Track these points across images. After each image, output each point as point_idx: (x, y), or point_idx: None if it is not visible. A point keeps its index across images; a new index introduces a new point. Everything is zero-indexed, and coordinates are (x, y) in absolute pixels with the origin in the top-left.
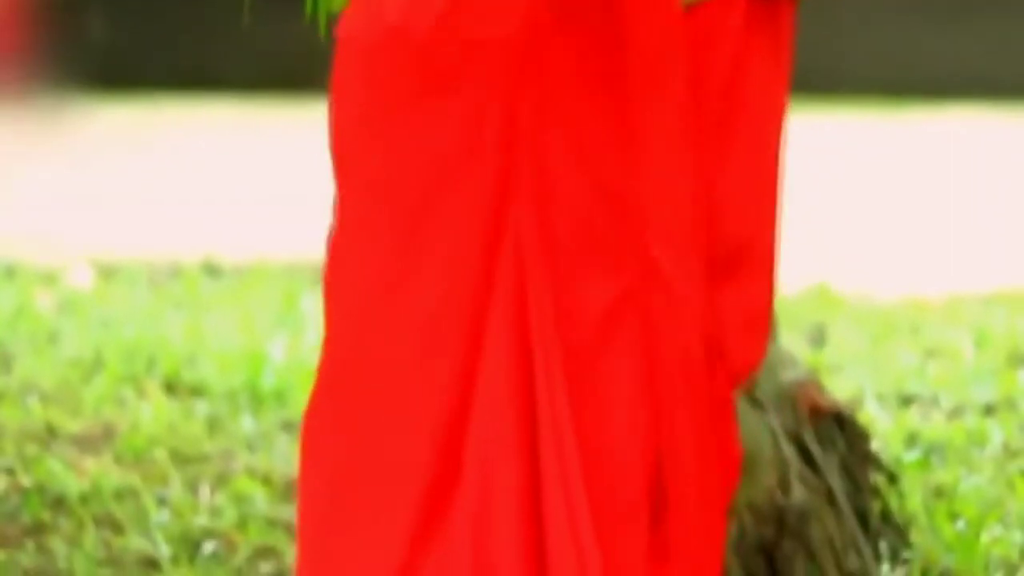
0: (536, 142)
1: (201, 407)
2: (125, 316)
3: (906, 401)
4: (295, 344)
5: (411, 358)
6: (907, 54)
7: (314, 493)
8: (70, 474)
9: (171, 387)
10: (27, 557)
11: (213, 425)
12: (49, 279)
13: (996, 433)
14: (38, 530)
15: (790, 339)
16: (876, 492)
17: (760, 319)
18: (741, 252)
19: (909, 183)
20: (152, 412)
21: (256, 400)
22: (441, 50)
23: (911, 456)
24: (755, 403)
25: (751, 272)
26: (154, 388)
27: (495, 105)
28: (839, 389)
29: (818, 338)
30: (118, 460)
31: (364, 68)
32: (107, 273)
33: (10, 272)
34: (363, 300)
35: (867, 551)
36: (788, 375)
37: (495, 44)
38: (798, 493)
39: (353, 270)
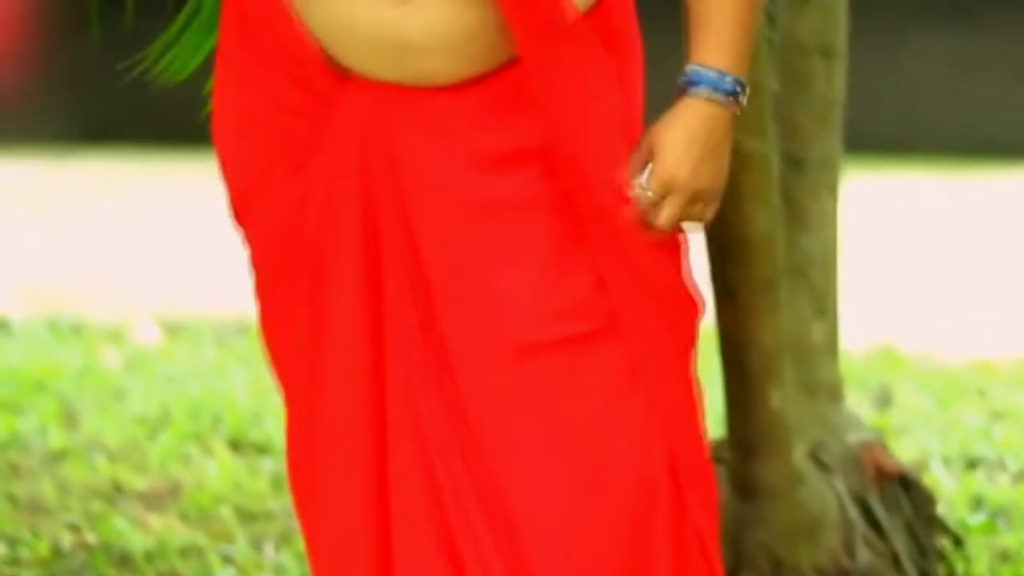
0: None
1: (266, 465)
2: (191, 373)
3: (972, 464)
4: None
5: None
6: (979, 113)
7: (310, 547)
8: (135, 531)
9: (236, 444)
10: None
11: (278, 483)
12: (115, 336)
13: None
14: None
15: (856, 401)
16: (942, 556)
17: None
18: None
19: (978, 243)
20: (217, 469)
21: None
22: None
23: (977, 519)
24: (821, 465)
25: None
26: (220, 445)
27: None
28: (905, 451)
29: (884, 400)
30: (183, 517)
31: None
32: (173, 330)
33: (77, 329)
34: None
35: None
36: (853, 437)
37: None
38: (863, 556)
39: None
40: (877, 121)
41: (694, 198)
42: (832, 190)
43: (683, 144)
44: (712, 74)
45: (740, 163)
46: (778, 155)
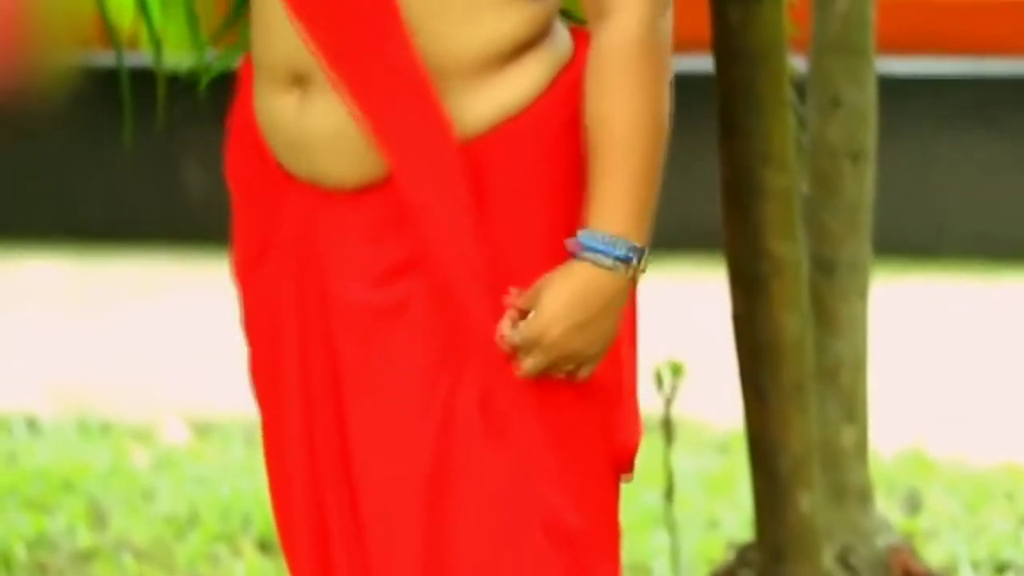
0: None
1: None
2: (220, 473)
3: (1001, 568)
4: None
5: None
6: (1008, 218)
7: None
8: None
9: (265, 546)
10: None
11: None
12: (144, 435)
13: None
14: None
15: (885, 504)
16: None
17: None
18: None
19: (1006, 348)
20: (246, 570)
21: None
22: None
23: None
24: (850, 569)
25: None
26: (248, 546)
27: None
28: (933, 556)
29: (913, 504)
30: None
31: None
32: (202, 430)
33: (105, 428)
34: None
35: None
36: (882, 541)
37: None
38: None
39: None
40: (905, 225)
41: (565, 359)
42: (861, 294)
43: (563, 305)
44: (601, 240)
45: (770, 267)
46: (808, 259)
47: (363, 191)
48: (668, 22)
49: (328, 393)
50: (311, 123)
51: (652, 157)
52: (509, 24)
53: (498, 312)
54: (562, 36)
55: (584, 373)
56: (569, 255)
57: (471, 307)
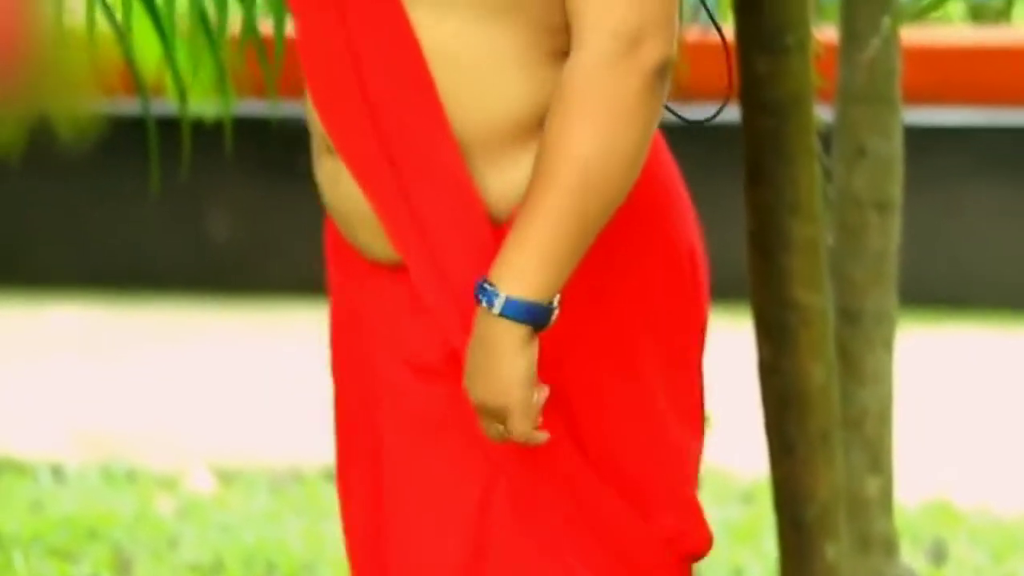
0: None
1: None
2: (245, 521)
3: None
4: None
5: None
6: None
7: None
8: None
9: None
10: None
11: None
12: (169, 483)
13: None
14: None
15: (910, 555)
16: None
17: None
18: None
19: None
20: None
21: None
22: None
23: None
24: None
25: None
26: None
27: None
28: None
29: (938, 554)
30: None
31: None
32: (227, 477)
33: (131, 476)
34: None
35: None
36: None
37: None
38: None
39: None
40: (931, 274)
41: (480, 409)
42: (887, 343)
43: (468, 351)
44: (496, 293)
45: (797, 317)
46: (833, 308)
47: (402, 267)
48: (642, 65)
49: (370, 456)
50: (343, 193)
51: (576, 203)
52: (539, 89)
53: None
54: None
55: (511, 430)
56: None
57: None
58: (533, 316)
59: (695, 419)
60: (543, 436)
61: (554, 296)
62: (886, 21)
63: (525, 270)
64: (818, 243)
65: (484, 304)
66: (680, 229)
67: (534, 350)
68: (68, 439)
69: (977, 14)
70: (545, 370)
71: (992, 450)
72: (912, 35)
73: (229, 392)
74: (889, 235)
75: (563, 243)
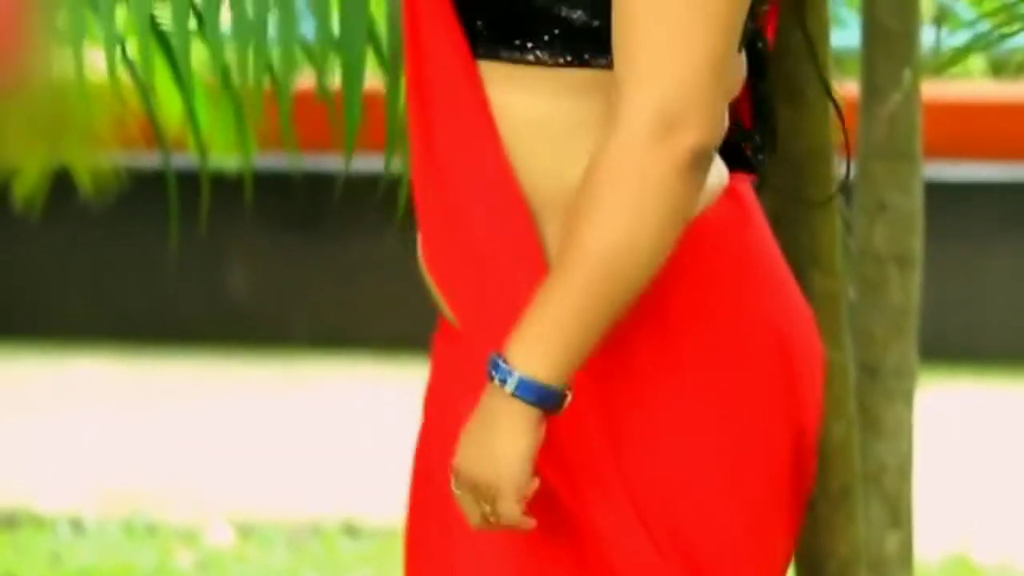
0: None
1: None
2: (264, 575)
3: None
4: None
5: None
6: None
7: None
8: None
9: None
10: None
11: None
12: (189, 537)
13: None
14: None
15: None
16: None
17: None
18: None
19: None
20: None
21: None
22: None
23: None
24: None
25: None
26: None
27: None
28: None
29: None
30: None
31: None
32: (246, 531)
33: (151, 529)
34: None
35: None
36: None
37: None
38: None
39: None
40: (952, 329)
41: (467, 485)
42: (907, 398)
43: (471, 423)
44: (511, 371)
45: None
46: (853, 363)
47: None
48: (675, 151)
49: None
50: (421, 257)
51: (596, 287)
52: None
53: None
54: (711, 176)
55: (498, 513)
56: None
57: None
58: (544, 399)
59: (778, 521)
60: (530, 522)
61: (569, 379)
62: (907, 75)
63: (541, 351)
64: (839, 297)
65: (496, 380)
66: (762, 311)
67: (539, 433)
68: (87, 492)
69: (998, 68)
70: (598, 444)
71: (1013, 506)
72: (933, 89)
73: (249, 445)
74: (910, 290)
75: (582, 327)
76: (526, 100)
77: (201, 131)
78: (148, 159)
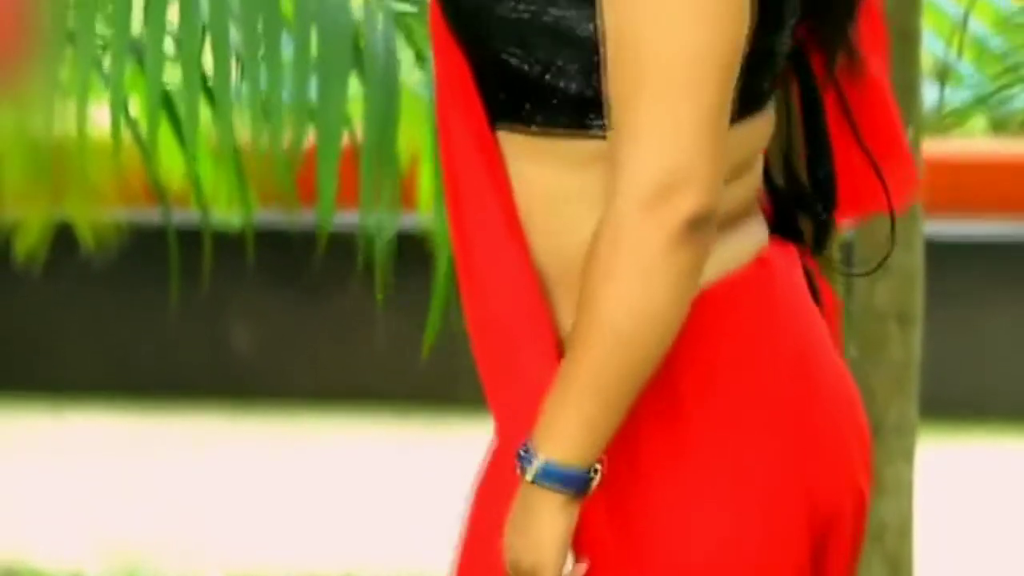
0: None
1: None
2: None
3: None
4: None
5: None
6: None
7: None
8: None
9: None
10: None
11: None
12: None
13: None
14: None
15: None
16: None
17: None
18: None
19: None
20: None
21: None
22: None
23: None
24: None
25: None
26: None
27: None
28: None
29: None
30: None
31: None
32: None
33: None
34: None
35: None
36: None
37: None
38: None
39: None
40: (953, 387)
41: (514, 569)
42: (908, 456)
43: (512, 508)
44: (532, 457)
45: None
46: None
47: None
48: (672, 218)
49: None
50: None
51: (608, 364)
52: None
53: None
54: (731, 244)
55: None
56: None
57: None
58: (570, 482)
59: None
60: None
61: (594, 459)
62: (910, 133)
63: (561, 434)
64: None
65: (521, 468)
66: (775, 391)
67: (573, 512)
68: (87, 546)
69: (999, 126)
70: (602, 526)
71: (1015, 565)
72: (933, 147)
73: (249, 500)
74: (911, 347)
75: (600, 404)
76: (537, 171)
77: (202, 188)
78: (150, 214)
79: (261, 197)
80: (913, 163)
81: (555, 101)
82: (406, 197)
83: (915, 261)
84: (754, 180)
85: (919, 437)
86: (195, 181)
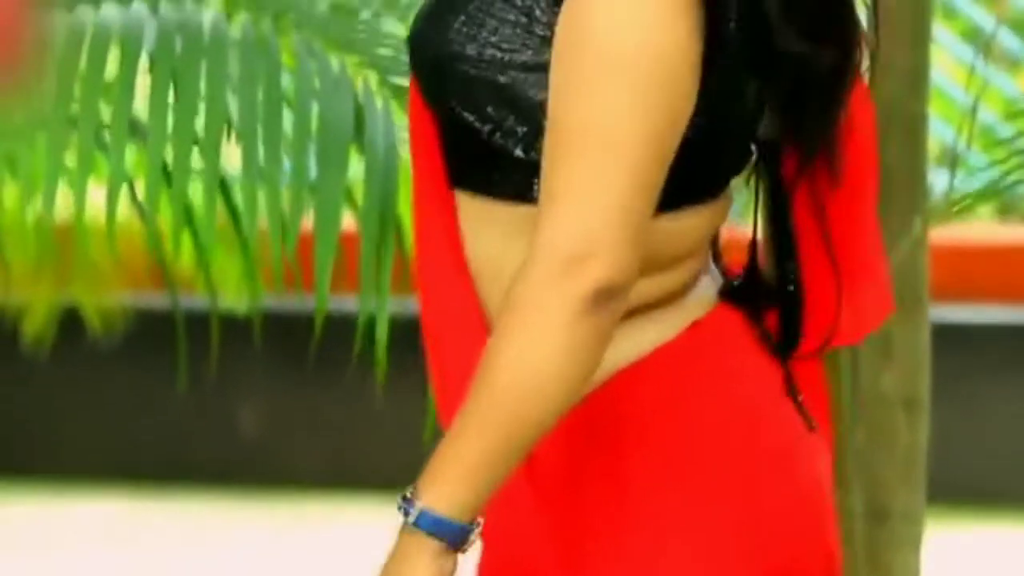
0: None
1: None
2: None
3: None
4: None
5: None
6: None
7: None
8: None
9: None
10: None
11: None
12: None
13: None
14: None
15: None
16: None
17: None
18: None
19: None
20: None
21: None
22: None
23: None
24: None
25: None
26: None
27: None
28: None
29: None
30: None
31: None
32: None
33: None
34: None
35: None
36: None
37: None
38: None
39: None
40: (960, 473)
41: None
42: (915, 544)
43: (386, 556)
44: (413, 504)
45: None
46: (861, 508)
47: None
48: (576, 288)
49: None
50: None
51: (493, 422)
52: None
53: None
54: (668, 317)
55: None
56: None
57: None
58: (446, 532)
59: None
60: None
61: (473, 514)
62: (917, 223)
63: (443, 483)
64: (846, 442)
65: (401, 511)
66: (697, 457)
67: (447, 563)
68: None
69: (1006, 211)
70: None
71: None
72: (940, 232)
73: None
74: (917, 434)
75: (482, 462)
76: (487, 234)
77: (210, 273)
78: (158, 299)
79: (268, 280)
80: (888, 287)
81: (503, 164)
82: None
83: (922, 347)
84: (698, 264)
85: (926, 524)
86: (202, 262)
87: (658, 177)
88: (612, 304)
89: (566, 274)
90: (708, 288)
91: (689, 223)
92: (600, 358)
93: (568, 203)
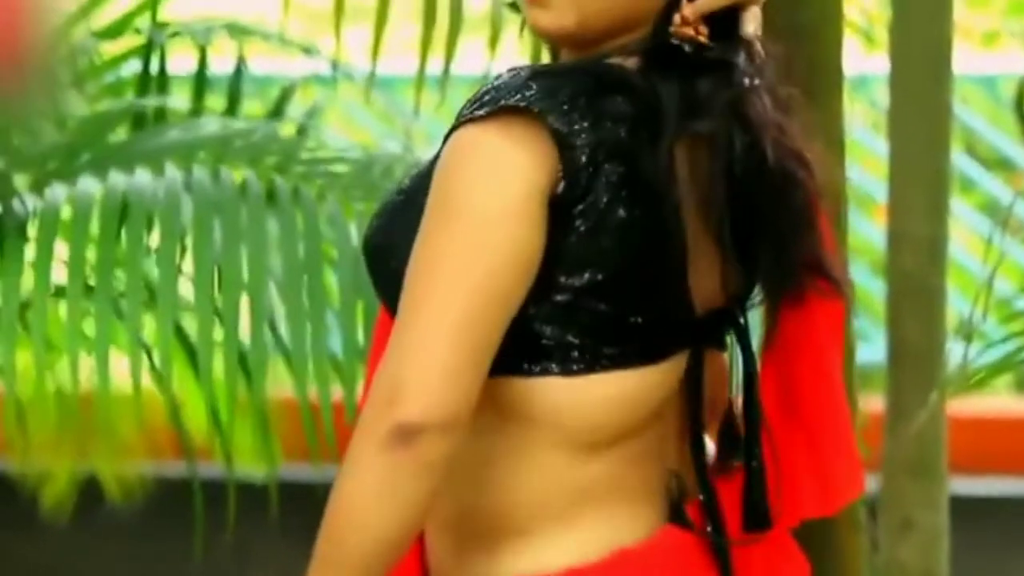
0: None
1: None
2: None
3: None
4: None
5: None
6: None
7: None
8: None
9: None
10: None
11: None
12: None
13: None
14: None
15: None
16: None
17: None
18: None
19: None
20: None
21: None
22: None
23: None
24: None
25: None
26: None
27: None
28: None
29: None
30: None
31: None
32: None
33: None
34: None
35: None
36: None
37: None
38: None
39: None
40: None
41: None
42: None
43: None
44: None
45: None
46: None
47: None
48: (383, 424)
49: None
50: None
51: (328, 552)
52: (529, 481)
53: None
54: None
55: None
56: None
57: None
58: None
59: None
60: None
61: None
62: (934, 397)
63: None
64: None
65: None
66: None
67: None
68: None
69: (1023, 384)
70: None
71: None
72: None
73: None
74: None
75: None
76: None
77: (227, 443)
78: (176, 467)
79: (286, 450)
80: (859, 463)
81: None
82: None
83: (940, 520)
84: (641, 448)
85: None
86: (219, 430)
87: (489, 333)
88: (418, 443)
89: (379, 412)
90: (656, 494)
91: (613, 390)
92: (418, 495)
93: (393, 345)
